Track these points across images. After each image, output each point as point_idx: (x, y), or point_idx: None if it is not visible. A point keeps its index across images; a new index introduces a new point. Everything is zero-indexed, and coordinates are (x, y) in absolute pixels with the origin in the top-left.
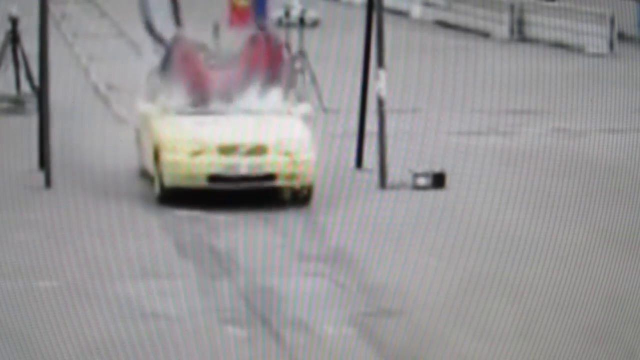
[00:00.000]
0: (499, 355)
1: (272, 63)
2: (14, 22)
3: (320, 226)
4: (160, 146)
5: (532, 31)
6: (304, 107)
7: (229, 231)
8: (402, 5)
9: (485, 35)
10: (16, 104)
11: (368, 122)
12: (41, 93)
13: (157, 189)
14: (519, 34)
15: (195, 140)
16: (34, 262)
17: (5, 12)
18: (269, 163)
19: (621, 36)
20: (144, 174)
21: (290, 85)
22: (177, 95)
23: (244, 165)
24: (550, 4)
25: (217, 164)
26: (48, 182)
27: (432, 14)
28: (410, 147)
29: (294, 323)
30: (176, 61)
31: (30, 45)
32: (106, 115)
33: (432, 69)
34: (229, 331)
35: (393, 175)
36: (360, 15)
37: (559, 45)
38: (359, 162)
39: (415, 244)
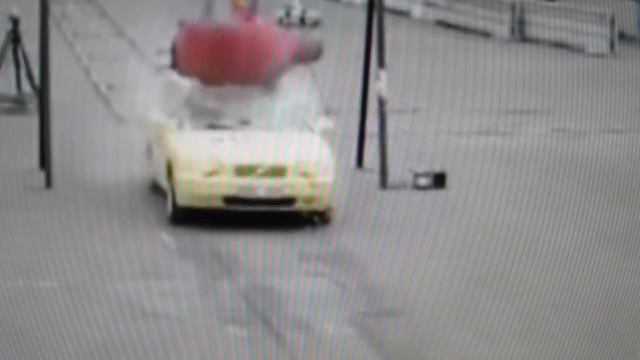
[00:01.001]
0: (499, 355)
1: (280, 48)
2: (15, 22)
3: (321, 226)
4: (174, 163)
5: (532, 31)
6: (324, 122)
7: (229, 233)
8: (403, 5)
9: (485, 35)
10: (17, 104)
11: (369, 122)
12: (42, 93)
13: (169, 207)
14: (520, 34)
15: (211, 159)
16: (34, 262)
17: (6, 12)
18: (288, 185)
19: (622, 36)
20: (156, 187)
21: (316, 56)
22: (194, 87)
23: (261, 187)
24: (551, 4)
25: (233, 185)
26: (48, 182)
27: (432, 14)
28: (410, 147)
29: (295, 323)
30: (188, 46)
31: (31, 45)
32: (107, 115)
33: (432, 69)
34: (230, 331)
35: (394, 175)
36: (361, 15)
37: (560, 45)
38: (359, 162)
39: (416, 244)
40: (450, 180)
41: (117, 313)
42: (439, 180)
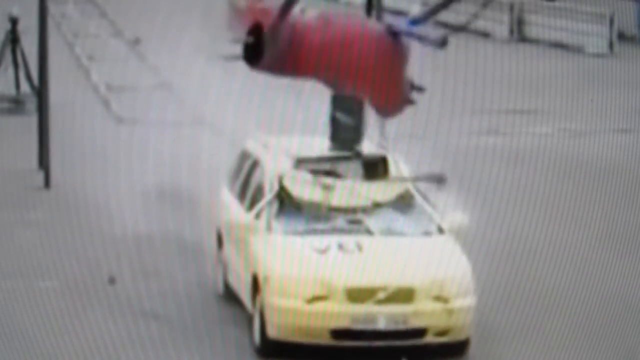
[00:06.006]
0: (499, 355)
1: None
2: (14, 22)
3: None
4: (264, 283)
5: (532, 31)
6: (458, 217)
7: None
8: (402, 5)
9: (485, 35)
10: (16, 104)
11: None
12: (41, 93)
13: (256, 336)
14: (519, 34)
15: (316, 280)
16: (34, 262)
17: (6, 12)
18: (417, 314)
19: (621, 36)
20: (229, 293)
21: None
22: None
23: (382, 316)
24: (550, 4)
25: (345, 315)
26: (47, 182)
27: None
28: (411, 147)
29: None
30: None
31: (30, 45)
32: (106, 115)
33: (432, 69)
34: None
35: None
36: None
37: (559, 46)
38: None
39: None
40: (450, 181)
41: (117, 313)
42: (439, 181)
